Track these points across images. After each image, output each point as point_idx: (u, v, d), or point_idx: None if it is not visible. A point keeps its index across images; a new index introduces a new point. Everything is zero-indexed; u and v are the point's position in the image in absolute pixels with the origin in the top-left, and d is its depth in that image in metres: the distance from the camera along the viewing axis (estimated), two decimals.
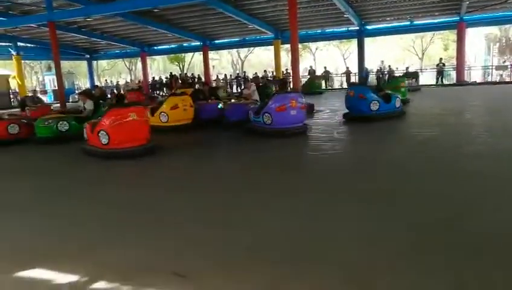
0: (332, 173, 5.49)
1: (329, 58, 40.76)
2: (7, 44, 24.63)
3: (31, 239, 3.65)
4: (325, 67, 26.58)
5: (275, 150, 7.41)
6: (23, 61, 26.78)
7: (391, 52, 41.87)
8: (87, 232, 3.75)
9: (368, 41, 25.28)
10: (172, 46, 29.12)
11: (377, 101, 9.75)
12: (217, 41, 26.96)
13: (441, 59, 24.77)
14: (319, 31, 24.67)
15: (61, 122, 9.24)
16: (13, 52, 24.71)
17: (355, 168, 5.72)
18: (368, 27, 23.22)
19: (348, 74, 25.90)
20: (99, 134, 7.08)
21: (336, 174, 5.42)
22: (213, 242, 3.32)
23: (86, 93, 10.40)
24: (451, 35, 32.16)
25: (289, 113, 8.35)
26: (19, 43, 25.00)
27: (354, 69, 25.36)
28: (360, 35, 23.34)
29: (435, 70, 24.64)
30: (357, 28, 22.79)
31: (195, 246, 3.27)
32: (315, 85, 21.33)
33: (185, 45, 28.39)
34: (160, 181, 5.62)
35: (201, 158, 7.14)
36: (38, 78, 45.74)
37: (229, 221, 3.80)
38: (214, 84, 20.87)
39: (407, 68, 22.74)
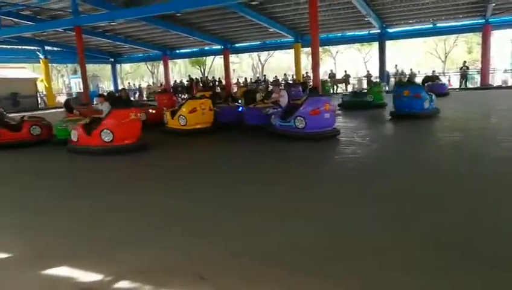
0: (355, 178, 5.48)
1: (350, 61, 40.44)
2: (35, 48, 25.46)
3: (56, 238, 3.75)
4: (345, 71, 26.41)
5: (299, 153, 7.45)
6: (50, 64, 27.61)
7: (413, 55, 41.25)
8: (109, 232, 3.82)
9: (389, 44, 25.00)
10: (194, 49, 29.48)
11: (428, 99, 10.53)
12: (237, 45, 27.14)
13: (464, 62, 24.29)
14: (340, 34, 24.56)
15: None
16: (41, 56, 25.54)
17: (378, 173, 5.67)
18: (390, 30, 22.98)
19: (368, 77, 25.65)
20: (102, 132, 7.85)
21: (358, 179, 5.39)
22: (230, 245, 3.35)
23: (103, 96, 10.62)
24: (475, 37, 31.49)
25: (323, 116, 8.24)
26: (47, 47, 25.82)
27: (375, 72, 25.10)
28: (382, 39, 23.11)
29: (459, 73, 24.15)
30: (378, 31, 22.58)
31: (213, 248, 3.29)
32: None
33: (206, 48, 28.69)
34: (172, 183, 5.68)
35: (219, 161, 7.24)
36: (65, 81, 46.94)
37: (243, 226, 3.80)
38: (251, 87, 20.51)
39: (433, 72, 22.14)
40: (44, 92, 27.21)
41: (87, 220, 4.22)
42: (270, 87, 20.35)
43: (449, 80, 22.25)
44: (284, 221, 3.84)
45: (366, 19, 19.99)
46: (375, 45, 26.54)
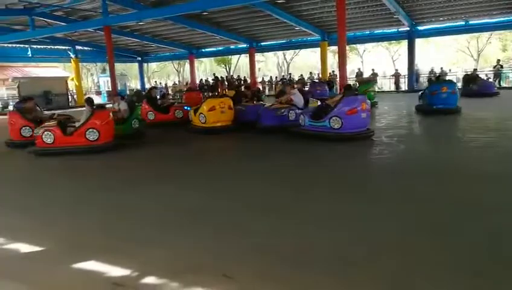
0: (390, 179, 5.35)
1: (378, 60, 39.75)
2: (67, 48, 26.22)
3: (86, 234, 3.84)
4: (372, 70, 25.94)
5: (323, 153, 7.34)
6: (80, 63, 28.35)
7: (444, 53, 40.16)
8: (137, 228, 3.89)
9: (419, 42, 24.39)
10: (220, 48, 29.63)
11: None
12: (263, 44, 27.11)
13: (498, 60, 23.44)
14: (368, 32, 24.16)
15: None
16: (72, 55, 26.27)
17: (411, 174, 5.54)
18: (420, 28, 22.40)
19: (397, 76, 25.15)
20: (88, 132, 8.26)
21: (380, 181, 5.27)
22: (253, 244, 3.33)
23: (120, 95, 10.85)
24: (510, 35, 30.34)
25: (360, 116, 7.97)
26: (77, 47, 26.55)
27: (404, 71, 24.59)
28: (411, 37, 22.56)
29: (492, 72, 23.29)
30: (408, 28, 22.07)
31: (236, 247, 3.30)
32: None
33: (231, 47, 28.78)
34: (190, 180, 5.70)
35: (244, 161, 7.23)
36: (94, 80, 48.15)
37: (272, 228, 3.79)
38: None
39: (474, 70, 20.98)
40: (75, 91, 27.95)
41: (115, 217, 4.32)
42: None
43: (488, 78, 21.08)
44: (303, 223, 3.82)
45: (395, 17, 19.57)
46: (404, 43, 25.99)
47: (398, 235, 3.40)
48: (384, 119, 11.24)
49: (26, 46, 24.22)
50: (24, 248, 3.53)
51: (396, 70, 26.73)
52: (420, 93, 12.71)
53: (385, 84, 27.09)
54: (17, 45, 24.05)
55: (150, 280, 2.82)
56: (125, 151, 8.45)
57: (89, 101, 8.73)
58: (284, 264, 2.97)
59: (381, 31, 23.83)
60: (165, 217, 4.21)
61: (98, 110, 8.60)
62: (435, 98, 11.41)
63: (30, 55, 24.89)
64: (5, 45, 23.27)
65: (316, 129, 8.36)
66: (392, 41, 32.57)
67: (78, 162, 7.72)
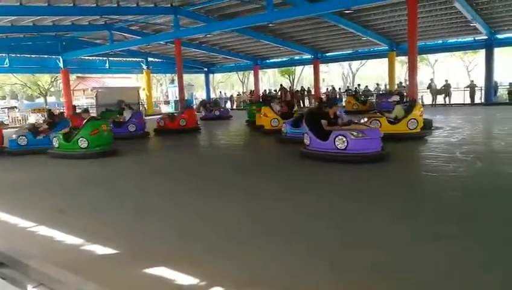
0: (454, 197, 4.96)
1: (451, 70, 37.62)
2: (140, 60, 27.89)
3: (155, 240, 3.94)
4: (446, 80, 24.45)
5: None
6: (151, 74, 29.97)
7: None
8: (205, 237, 3.92)
9: (498, 52, 22.63)
10: (284, 59, 29.79)
11: None
12: (328, 54, 26.83)
13: None
14: (440, 41, 22.94)
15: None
16: (144, 67, 27.87)
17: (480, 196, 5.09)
18: (499, 36, 20.85)
19: (472, 88, 23.46)
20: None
21: (457, 199, 4.88)
22: (329, 259, 3.24)
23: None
24: None
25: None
26: (149, 59, 28.13)
27: (480, 82, 22.90)
28: (489, 46, 21.03)
29: None
30: (486, 37, 20.62)
31: (309, 261, 3.22)
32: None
33: (296, 58, 28.84)
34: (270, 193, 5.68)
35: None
36: (163, 90, 50.57)
37: (339, 239, 3.66)
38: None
39: None
40: (145, 100, 29.50)
41: (192, 223, 4.41)
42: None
43: None
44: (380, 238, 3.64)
45: (471, 25, 18.37)
46: (481, 53, 24.28)
47: None
48: None
49: (105, 58, 26.14)
50: (100, 249, 3.69)
51: (472, 81, 24.96)
52: None
53: (458, 96, 25.13)
54: (97, 58, 26.04)
55: None
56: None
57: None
58: (354, 277, 2.84)
59: (455, 40, 22.55)
60: (244, 228, 4.18)
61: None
62: None
63: (108, 67, 26.81)
64: (86, 57, 25.29)
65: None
66: (468, 51, 30.55)
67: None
